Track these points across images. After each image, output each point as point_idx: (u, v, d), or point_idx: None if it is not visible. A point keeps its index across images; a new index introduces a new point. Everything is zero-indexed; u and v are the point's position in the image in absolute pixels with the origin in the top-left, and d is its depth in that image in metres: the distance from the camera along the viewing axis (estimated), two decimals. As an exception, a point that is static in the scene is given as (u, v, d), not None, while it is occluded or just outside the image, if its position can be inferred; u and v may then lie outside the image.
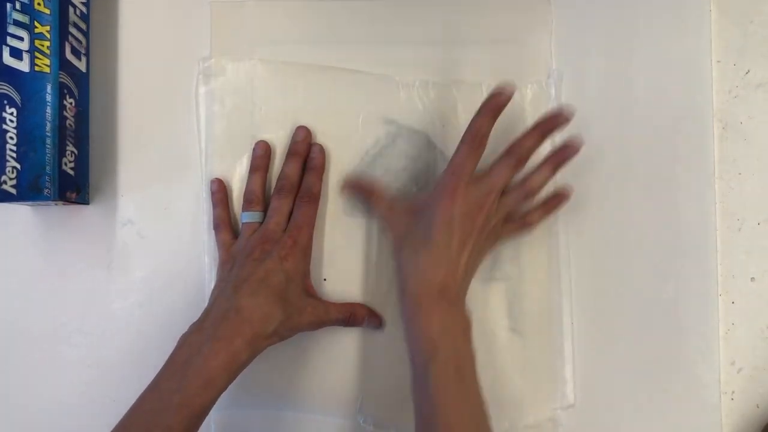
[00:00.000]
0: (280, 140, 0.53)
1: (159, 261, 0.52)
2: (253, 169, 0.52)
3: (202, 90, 0.53)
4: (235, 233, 0.51)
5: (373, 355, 0.52)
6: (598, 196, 0.53)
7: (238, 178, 0.52)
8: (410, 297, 0.45)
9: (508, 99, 0.46)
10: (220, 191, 0.52)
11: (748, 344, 0.53)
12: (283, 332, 0.46)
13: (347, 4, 0.54)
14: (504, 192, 0.48)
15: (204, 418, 0.43)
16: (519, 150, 0.47)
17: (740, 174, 0.54)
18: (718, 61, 0.54)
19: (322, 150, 0.52)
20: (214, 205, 0.52)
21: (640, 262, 0.53)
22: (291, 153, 0.52)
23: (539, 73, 0.54)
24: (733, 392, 0.53)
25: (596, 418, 0.52)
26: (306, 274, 0.50)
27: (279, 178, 0.51)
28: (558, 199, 0.51)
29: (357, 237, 0.53)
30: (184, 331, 0.45)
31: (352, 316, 0.50)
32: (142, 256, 0.53)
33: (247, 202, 0.51)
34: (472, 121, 0.47)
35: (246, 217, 0.50)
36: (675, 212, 0.53)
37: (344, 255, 0.52)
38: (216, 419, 0.52)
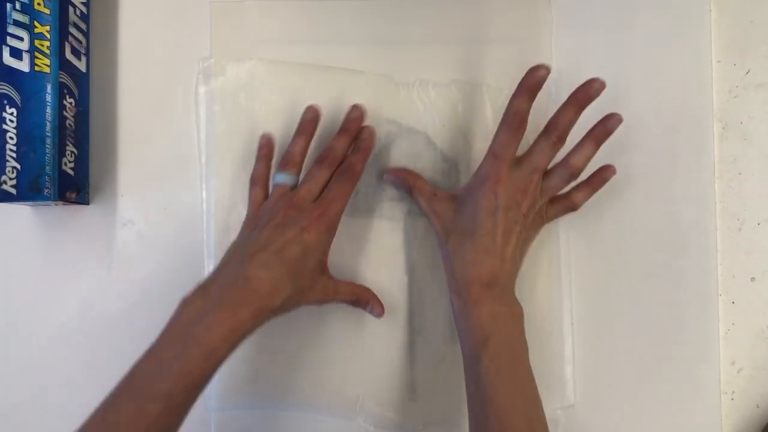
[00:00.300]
0: (280, 139, 0.53)
1: (159, 261, 0.52)
2: (299, 132, 0.50)
3: (202, 90, 0.53)
4: (268, 193, 0.50)
5: (373, 354, 0.52)
6: (597, 195, 0.52)
7: (239, 177, 0.52)
8: (460, 287, 0.45)
9: (546, 76, 0.45)
10: (266, 146, 0.51)
11: (748, 344, 0.53)
12: (289, 306, 0.45)
13: (347, 3, 0.54)
14: (546, 173, 0.47)
15: (204, 387, 0.41)
16: (557, 126, 0.46)
17: (740, 174, 0.54)
18: (718, 61, 0.54)
19: (373, 134, 0.51)
20: (257, 159, 0.51)
21: (640, 262, 0.53)
22: (343, 129, 0.51)
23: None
24: (733, 392, 0.53)
25: (596, 418, 0.52)
26: (325, 249, 0.48)
27: (324, 149, 0.49)
28: (603, 175, 0.50)
29: (356, 236, 0.53)
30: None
31: (358, 300, 0.50)
32: (142, 256, 0.53)
33: (284, 163, 0.49)
34: (510, 102, 0.46)
35: (279, 178, 0.49)
36: (675, 212, 0.53)
37: (344, 254, 0.52)
38: (216, 419, 0.52)
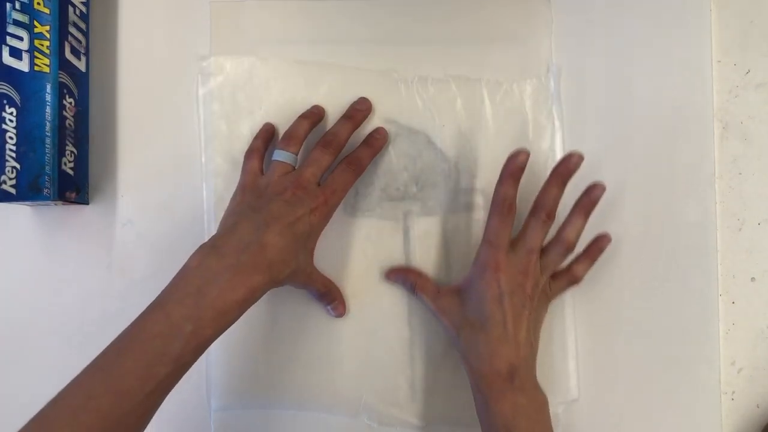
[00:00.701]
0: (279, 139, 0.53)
1: (159, 261, 0.52)
2: (304, 115, 0.51)
3: (201, 89, 0.53)
4: (263, 168, 0.50)
5: (373, 353, 0.52)
6: (598, 196, 0.53)
7: (239, 177, 0.52)
8: (479, 382, 0.45)
9: (526, 160, 0.46)
10: (268, 130, 0.52)
11: (748, 344, 0.53)
12: (286, 281, 0.45)
13: (347, 3, 0.54)
14: (543, 250, 0.48)
15: (205, 350, 0.41)
16: (544, 203, 0.47)
17: (740, 174, 0.54)
18: (718, 61, 0.54)
19: (386, 136, 0.52)
20: (256, 136, 0.51)
21: (641, 262, 0.53)
22: (346, 116, 0.51)
23: (539, 71, 0.53)
24: (733, 392, 0.53)
25: (596, 418, 0.52)
26: (318, 236, 0.48)
27: (327, 133, 0.50)
28: (599, 245, 0.50)
29: (356, 236, 0.52)
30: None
31: (327, 293, 0.50)
32: (142, 256, 0.53)
33: (285, 141, 0.49)
34: (496, 190, 0.47)
35: (279, 155, 0.48)
36: (675, 212, 0.53)
37: (343, 254, 0.52)
38: (216, 419, 0.52)
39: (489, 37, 0.54)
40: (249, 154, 0.50)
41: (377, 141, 0.51)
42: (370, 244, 0.52)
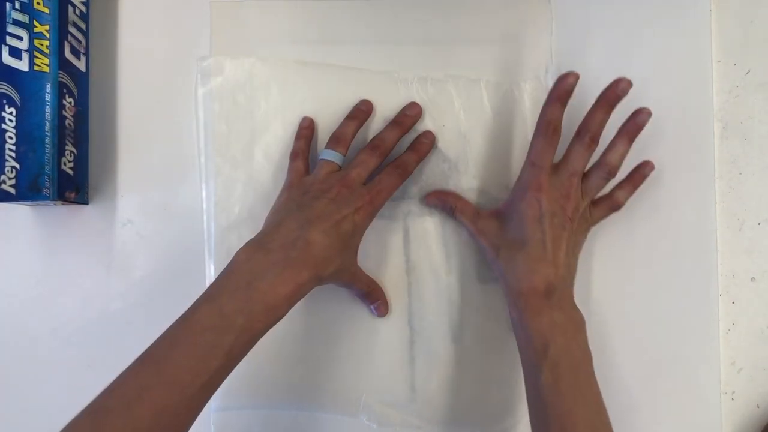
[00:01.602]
0: (280, 138, 0.53)
1: (159, 261, 0.52)
2: (351, 116, 0.51)
3: (201, 89, 0.53)
4: (308, 168, 0.51)
5: (374, 353, 0.52)
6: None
7: (238, 177, 0.52)
8: (516, 299, 0.45)
9: (575, 83, 0.46)
10: (308, 128, 0.52)
11: (748, 344, 0.53)
12: (330, 280, 0.45)
13: (347, 3, 0.54)
14: (585, 175, 0.48)
15: (255, 344, 0.41)
16: (589, 127, 0.47)
17: (740, 174, 0.54)
18: (719, 61, 0.54)
19: (434, 141, 0.52)
20: (297, 137, 0.52)
21: (640, 262, 0.53)
22: (396, 122, 0.51)
23: (539, 71, 0.53)
24: (733, 392, 0.53)
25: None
26: (363, 235, 0.48)
27: (375, 138, 0.50)
28: (642, 171, 0.50)
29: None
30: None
31: (369, 293, 0.50)
32: (142, 256, 0.53)
33: (334, 141, 0.50)
34: (543, 110, 0.47)
35: (327, 155, 0.49)
36: (675, 212, 0.53)
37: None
38: (216, 419, 0.52)
39: (489, 37, 0.54)
40: (293, 155, 0.51)
41: (424, 146, 0.51)
42: (370, 244, 0.52)
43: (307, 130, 0.52)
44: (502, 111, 0.53)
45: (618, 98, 0.47)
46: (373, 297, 0.51)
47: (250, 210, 0.52)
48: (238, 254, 0.43)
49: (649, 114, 0.47)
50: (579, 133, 0.47)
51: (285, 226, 0.44)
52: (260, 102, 0.53)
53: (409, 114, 0.52)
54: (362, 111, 0.52)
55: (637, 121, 0.48)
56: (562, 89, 0.46)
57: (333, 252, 0.44)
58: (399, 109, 0.53)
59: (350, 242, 0.46)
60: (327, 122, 0.53)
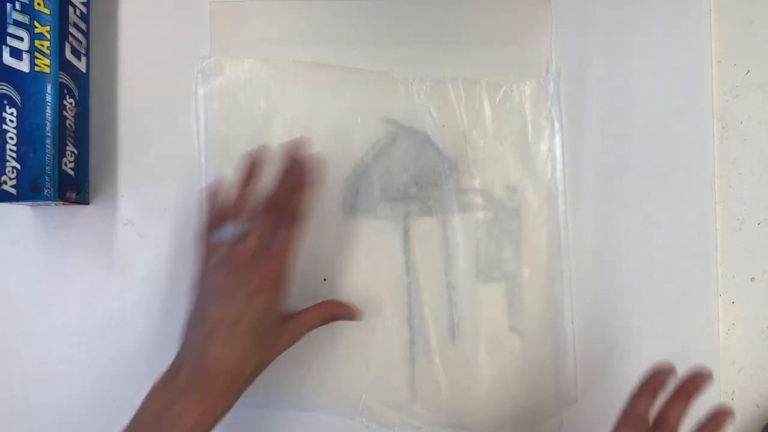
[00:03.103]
0: (279, 139, 0.52)
1: (159, 261, 0.52)
2: (240, 181, 0.47)
3: (201, 89, 0.53)
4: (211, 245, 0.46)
5: (373, 354, 0.52)
6: (597, 195, 0.53)
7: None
8: None
9: (671, 377, 0.43)
10: (212, 197, 0.48)
11: (748, 344, 0.53)
12: (260, 370, 0.43)
13: (347, 3, 0.54)
14: None
15: None
16: (668, 423, 0.42)
17: (740, 174, 0.54)
18: (718, 61, 0.54)
19: (315, 165, 0.45)
20: (204, 212, 0.49)
21: (640, 262, 0.53)
22: (285, 173, 0.46)
23: (539, 72, 0.54)
24: (733, 392, 0.53)
25: (596, 418, 0.52)
26: (281, 302, 0.44)
27: (270, 195, 0.46)
28: (718, 419, 0.42)
29: (356, 236, 0.53)
30: (179, 333, 0.43)
31: (331, 317, 0.47)
32: (142, 256, 0.53)
33: (224, 215, 0.46)
34: (632, 402, 0.43)
35: (220, 234, 0.45)
36: (675, 212, 0.53)
37: (343, 254, 0.52)
38: (216, 419, 0.52)
39: (489, 37, 0.54)
40: (196, 237, 0.48)
41: (306, 177, 0.45)
42: (370, 244, 0.52)
43: (210, 200, 0.48)
44: (501, 111, 0.53)
45: (699, 391, 0.42)
46: (337, 316, 0.48)
47: (250, 210, 0.52)
48: (149, 392, 0.41)
49: (711, 377, 0.42)
50: (656, 426, 0.42)
51: (187, 348, 0.43)
52: (260, 102, 0.53)
53: (296, 158, 0.45)
54: (250, 166, 0.47)
55: (697, 381, 0.42)
56: (659, 382, 0.42)
57: (242, 355, 0.41)
58: (399, 109, 0.53)
59: (262, 328, 0.42)
60: (326, 122, 0.53)
